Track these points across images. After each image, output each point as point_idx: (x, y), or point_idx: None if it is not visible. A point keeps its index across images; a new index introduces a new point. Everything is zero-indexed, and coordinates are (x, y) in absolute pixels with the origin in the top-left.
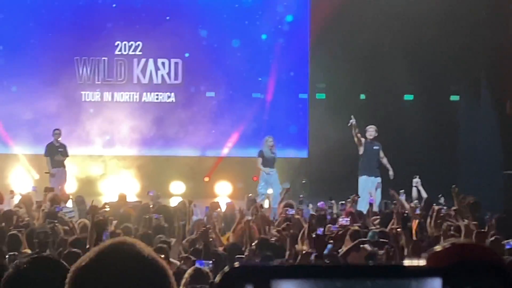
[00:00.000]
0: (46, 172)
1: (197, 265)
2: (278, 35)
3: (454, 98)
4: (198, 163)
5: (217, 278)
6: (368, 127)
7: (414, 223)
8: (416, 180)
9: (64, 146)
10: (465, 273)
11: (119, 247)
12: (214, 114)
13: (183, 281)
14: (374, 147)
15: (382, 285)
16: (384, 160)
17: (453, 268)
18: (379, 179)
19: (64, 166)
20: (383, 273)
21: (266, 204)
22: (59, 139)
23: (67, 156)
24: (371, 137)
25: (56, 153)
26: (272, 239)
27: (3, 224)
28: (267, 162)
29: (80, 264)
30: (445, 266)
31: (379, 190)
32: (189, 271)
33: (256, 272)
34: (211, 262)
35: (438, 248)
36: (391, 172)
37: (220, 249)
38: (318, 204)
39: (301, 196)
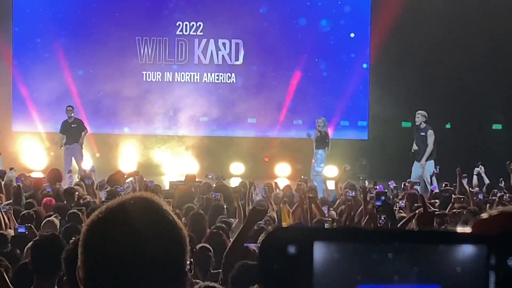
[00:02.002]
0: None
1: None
2: (339, 16)
3: None
4: (258, 144)
5: (260, 239)
6: (416, 112)
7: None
8: (478, 169)
9: (78, 121)
10: None
11: (132, 201)
12: (275, 95)
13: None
14: (421, 133)
15: (427, 250)
16: (428, 149)
17: (500, 236)
18: (426, 164)
19: (77, 141)
20: (427, 238)
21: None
22: (71, 115)
23: (84, 130)
24: (418, 123)
25: (69, 130)
26: (329, 219)
27: (65, 202)
28: (315, 143)
29: (93, 218)
30: (492, 234)
31: (427, 174)
32: None
33: (299, 233)
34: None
35: (484, 215)
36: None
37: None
38: (377, 187)
39: (360, 177)
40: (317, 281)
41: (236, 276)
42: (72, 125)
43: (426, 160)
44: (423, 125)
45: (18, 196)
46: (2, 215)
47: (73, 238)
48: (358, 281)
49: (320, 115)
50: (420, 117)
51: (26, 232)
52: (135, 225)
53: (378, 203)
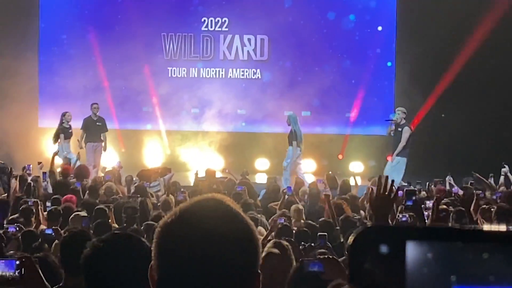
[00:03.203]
0: (80, 148)
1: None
2: (364, 12)
3: None
4: (283, 139)
5: (350, 239)
6: (396, 109)
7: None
8: (505, 170)
9: (102, 120)
10: None
11: (205, 203)
12: (300, 90)
13: (263, 254)
14: (398, 129)
15: None
16: (400, 144)
17: None
18: (397, 159)
19: (100, 141)
20: None
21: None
22: (97, 113)
23: (106, 130)
24: (398, 120)
25: (94, 127)
26: (356, 216)
27: (88, 197)
28: (288, 139)
29: (167, 220)
30: None
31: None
32: (269, 244)
33: (390, 232)
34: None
35: None
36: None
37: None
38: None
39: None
40: (409, 281)
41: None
42: (97, 123)
43: (398, 155)
44: (402, 122)
45: (28, 193)
46: (39, 212)
47: (93, 241)
48: (453, 281)
49: (345, 111)
50: (400, 113)
51: (53, 234)
52: (209, 228)
53: (409, 203)
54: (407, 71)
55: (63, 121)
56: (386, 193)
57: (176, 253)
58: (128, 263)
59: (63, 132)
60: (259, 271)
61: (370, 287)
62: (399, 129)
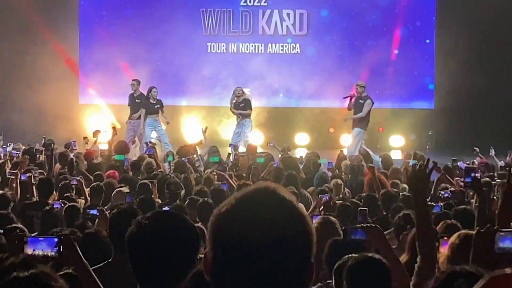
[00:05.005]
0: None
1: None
2: None
3: None
4: (323, 114)
5: None
6: (356, 85)
7: None
8: None
9: (141, 97)
10: None
11: (259, 192)
12: (339, 64)
13: None
14: (360, 101)
15: None
16: (359, 114)
17: None
18: (356, 130)
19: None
20: None
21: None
22: (135, 90)
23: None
24: (359, 94)
25: (133, 104)
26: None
27: (131, 173)
28: None
29: (221, 209)
30: None
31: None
32: (318, 220)
33: None
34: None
35: None
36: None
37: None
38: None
39: (427, 147)
40: None
41: (328, 254)
42: (136, 100)
43: (357, 127)
44: (364, 94)
45: (71, 169)
46: (84, 190)
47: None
48: None
49: (386, 85)
50: (359, 88)
51: (97, 214)
52: (264, 218)
53: (468, 180)
54: (446, 45)
55: (149, 96)
56: (422, 169)
57: (230, 242)
58: (171, 241)
59: (146, 107)
60: (313, 261)
61: None
62: (361, 101)
